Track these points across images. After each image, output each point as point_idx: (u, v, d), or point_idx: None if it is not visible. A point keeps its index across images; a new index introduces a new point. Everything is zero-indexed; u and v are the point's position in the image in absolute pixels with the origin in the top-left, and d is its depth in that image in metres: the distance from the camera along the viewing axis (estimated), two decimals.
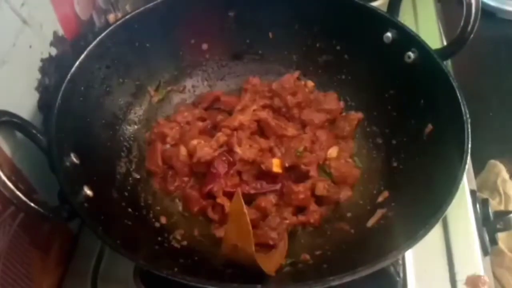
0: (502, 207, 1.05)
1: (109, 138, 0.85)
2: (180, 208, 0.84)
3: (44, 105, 0.76)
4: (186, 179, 0.84)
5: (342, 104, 0.94)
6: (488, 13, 1.38)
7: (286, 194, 0.80)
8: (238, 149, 0.80)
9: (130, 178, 0.84)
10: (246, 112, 0.87)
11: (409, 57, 0.82)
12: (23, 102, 0.72)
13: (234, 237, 0.65)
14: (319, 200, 0.82)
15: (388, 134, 0.87)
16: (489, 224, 0.84)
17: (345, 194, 0.83)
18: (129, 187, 0.83)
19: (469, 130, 0.69)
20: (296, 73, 0.97)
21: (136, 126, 0.91)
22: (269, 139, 0.86)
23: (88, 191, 0.69)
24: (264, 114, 0.87)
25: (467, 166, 0.66)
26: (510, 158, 1.15)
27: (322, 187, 0.81)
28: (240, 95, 0.96)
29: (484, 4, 0.93)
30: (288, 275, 0.71)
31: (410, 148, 0.82)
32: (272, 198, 0.81)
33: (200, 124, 0.89)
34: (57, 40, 0.79)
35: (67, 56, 0.81)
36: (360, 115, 0.92)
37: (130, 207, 0.79)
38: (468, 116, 0.70)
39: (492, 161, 1.12)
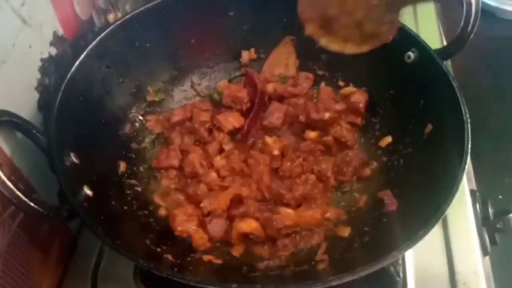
0: None
1: (109, 138, 0.85)
2: None
3: (44, 105, 0.76)
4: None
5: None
6: (488, 13, 1.38)
7: None
8: None
9: (130, 178, 0.84)
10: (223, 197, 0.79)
11: (409, 57, 0.82)
12: (23, 102, 0.72)
13: None
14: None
15: (388, 133, 0.87)
16: (489, 224, 0.84)
17: None
18: (129, 187, 0.83)
19: (469, 130, 0.69)
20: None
21: (136, 126, 0.91)
22: None
23: (88, 191, 0.69)
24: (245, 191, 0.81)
25: (467, 166, 0.66)
26: (510, 158, 1.15)
27: None
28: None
29: (484, 4, 0.93)
30: (289, 275, 0.71)
31: (410, 148, 0.82)
32: None
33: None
34: (57, 40, 0.79)
35: (67, 56, 0.81)
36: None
37: (130, 207, 0.79)
38: (468, 116, 0.70)
39: None
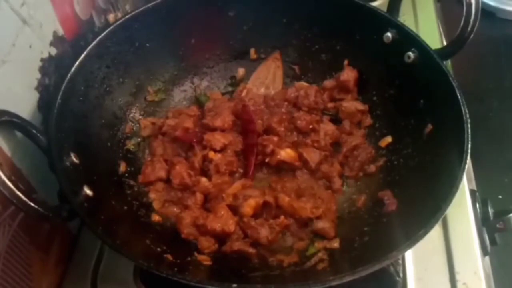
0: None
1: (109, 138, 0.85)
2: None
3: (44, 105, 0.76)
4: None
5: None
6: (488, 13, 1.39)
7: None
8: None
9: (130, 178, 0.84)
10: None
11: (409, 57, 0.82)
12: (23, 102, 0.72)
13: None
14: None
15: (388, 133, 0.87)
16: (489, 224, 0.84)
17: None
18: (129, 187, 0.83)
19: (469, 130, 0.69)
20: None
21: (136, 126, 0.91)
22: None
23: (88, 191, 0.69)
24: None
25: (467, 166, 0.66)
26: (510, 158, 1.15)
27: None
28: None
29: (484, 4, 0.93)
30: (289, 275, 0.71)
31: (410, 148, 0.82)
32: None
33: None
34: (57, 40, 0.79)
35: (67, 56, 0.81)
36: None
37: (130, 207, 0.79)
38: (468, 116, 0.70)
39: None
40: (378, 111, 0.90)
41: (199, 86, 0.99)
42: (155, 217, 0.80)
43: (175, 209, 0.80)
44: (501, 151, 1.16)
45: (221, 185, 0.81)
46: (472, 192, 0.86)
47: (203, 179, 0.81)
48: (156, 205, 0.81)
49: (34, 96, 0.74)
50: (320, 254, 0.74)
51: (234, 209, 0.77)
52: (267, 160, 0.84)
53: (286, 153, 0.83)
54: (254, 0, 0.93)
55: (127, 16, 0.85)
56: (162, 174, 0.83)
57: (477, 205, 0.85)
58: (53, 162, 0.66)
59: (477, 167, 0.96)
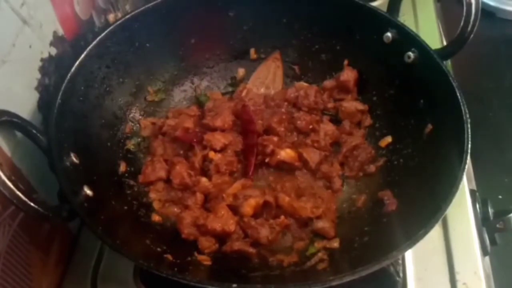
0: None
1: (109, 138, 0.85)
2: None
3: (44, 105, 0.76)
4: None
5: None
6: (488, 13, 1.39)
7: None
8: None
9: (130, 178, 0.84)
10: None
11: (409, 57, 0.82)
12: (23, 102, 0.72)
13: None
14: None
15: (388, 133, 0.87)
16: (489, 224, 0.84)
17: None
18: (129, 187, 0.83)
19: (469, 130, 0.69)
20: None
21: (136, 126, 0.91)
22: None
23: (88, 191, 0.69)
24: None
25: (467, 166, 0.66)
26: (510, 158, 1.16)
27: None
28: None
29: (484, 4, 0.93)
30: (289, 275, 0.71)
31: (410, 148, 0.82)
32: None
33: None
34: (57, 40, 0.79)
35: (67, 56, 0.81)
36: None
37: (130, 207, 0.79)
38: (468, 116, 0.70)
39: None
40: (378, 111, 0.90)
41: (199, 86, 0.99)
42: (155, 217, 0.80)
43: (175, 209, 0.80)
44: (501, 151, 1.17)
45: (221, 185, 0.81)
46: (472, 192, 0.86)
47: (203, 179, 0.81)
48: (156, 205, 0.81)
49: (34, 96, 0.74)
50: (320, 254, 0.74)
51: (234, 209, 0.77)
52: (267, 160, 0.84)
53: (286, 153, 0.83)
54: (254, 0, 0.93)
55: (127, 16, 0.85)
56: (162, 174, 0.83)
57: (477, 205, 0.85)
58: (53, 162, 0.66)
59: (477, 167, 0.96)
